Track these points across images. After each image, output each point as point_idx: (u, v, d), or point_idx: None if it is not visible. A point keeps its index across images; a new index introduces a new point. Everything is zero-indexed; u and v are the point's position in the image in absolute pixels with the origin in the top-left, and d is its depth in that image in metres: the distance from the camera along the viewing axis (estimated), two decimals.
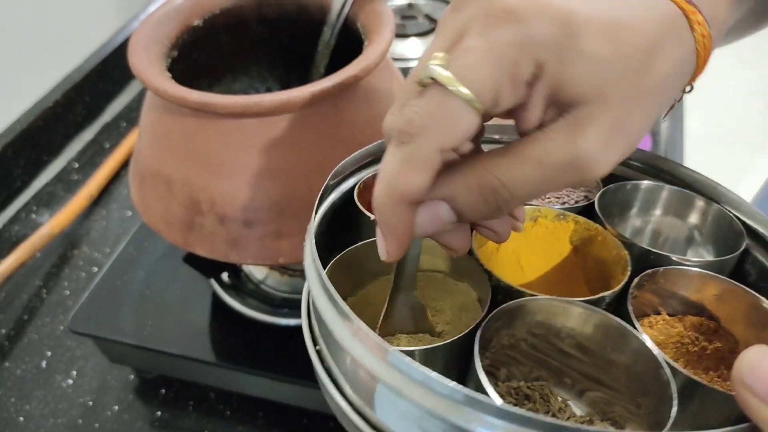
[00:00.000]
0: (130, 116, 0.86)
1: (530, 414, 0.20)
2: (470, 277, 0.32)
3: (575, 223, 0.34)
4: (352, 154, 0.32)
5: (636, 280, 0.30)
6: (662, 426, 0.23)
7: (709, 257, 0.35)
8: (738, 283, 0.30)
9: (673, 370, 0.25)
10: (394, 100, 0.41)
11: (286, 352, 0.47)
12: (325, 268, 0.28)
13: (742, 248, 0.32)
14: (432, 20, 0.77)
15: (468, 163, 0.24)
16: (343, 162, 0.32)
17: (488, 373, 0.25)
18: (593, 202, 0.35)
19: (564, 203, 0.38)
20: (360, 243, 0.31)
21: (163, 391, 0.55)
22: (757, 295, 0.29)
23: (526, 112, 0.23)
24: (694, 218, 0.36)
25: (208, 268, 0.49)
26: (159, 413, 0.53)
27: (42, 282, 0.65)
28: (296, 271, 0.52)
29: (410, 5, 0.81)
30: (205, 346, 0.48)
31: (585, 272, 0.35)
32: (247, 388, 0.52)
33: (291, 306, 0.50)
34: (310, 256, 0.27)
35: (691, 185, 0.36)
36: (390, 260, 0.25)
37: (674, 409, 0.23)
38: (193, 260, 0.47)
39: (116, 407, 0.54)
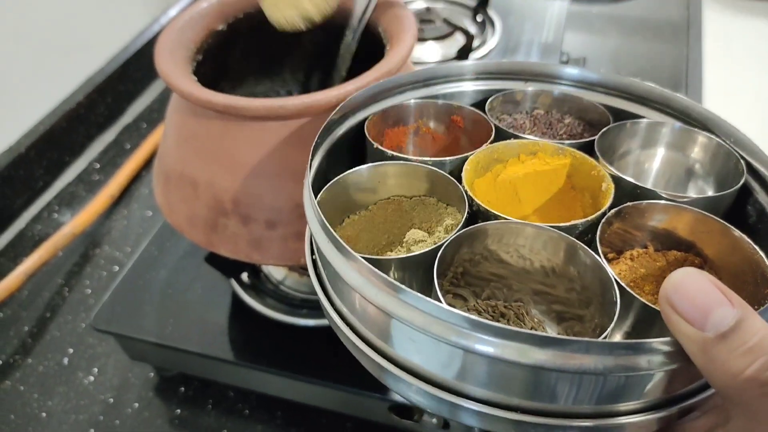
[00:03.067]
0: (150, 117, 0.87)
1: (473, 316, 0.23)
2: (459, 203, 0.33)
3: (573, 157, 0.35)
4: (360, 90, 0.35)
5: (612, 211, 0.31)
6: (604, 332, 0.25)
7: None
8: (721, 221, 0.30)
9: (619, 285, 0.27)
10: None
11: (304, 352, 0.48)
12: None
13: (738, 185, 0.32)
14: (450, 24, 0.77)
15: None
16: (350, 97, 0.34)
17: (472, 291, 0.29)
18: (594, 140, 0.35)
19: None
20: (348, 171, 0.33)
21: (183, 389, 0.55)
22: (737, 232, 0.29)
23: None
24: (695, 154, 0.36)
25: (229, 268, 0.50)
26: (178, 411, 0.54)
27: (64, 280, 0.66)
28: None
29: (428, 9, 0.82)
30: (224, 345, 0.49)
31: (582, 207, 0.36)
32: (265, 387, 0.53)
33: (310, 306, 0.50)
34: (308, 193, 0.30)
35: (694, 120, 0.36)
36: None
37: (615, 317, 0.25)
38: (214, 260, 0.48)
39: (137, 404, 0.55)
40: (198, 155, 0.38)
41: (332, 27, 0.46)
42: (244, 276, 0.52)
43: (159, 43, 0.39)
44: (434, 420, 0.45)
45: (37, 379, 0.57)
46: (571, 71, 0.40)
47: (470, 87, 0.41)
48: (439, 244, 0.29)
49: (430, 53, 0.75)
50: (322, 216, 0.28)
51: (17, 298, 0.64)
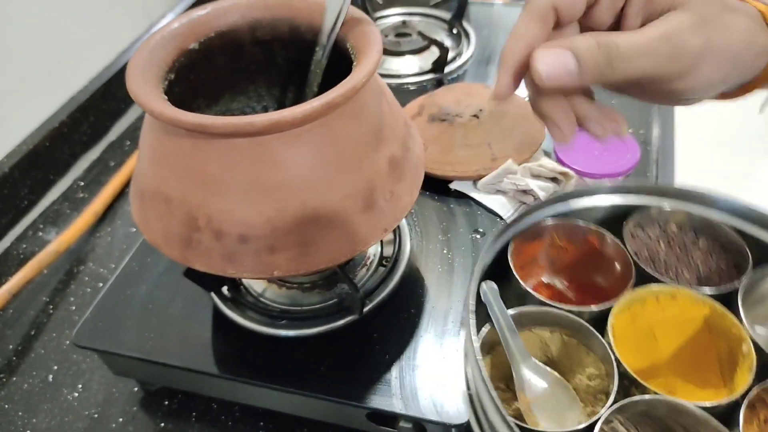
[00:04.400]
0: (134, 135, 0.88)
1: None
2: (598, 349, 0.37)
3: (712, 309, 0.37)
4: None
5: (754, 391, 0.33)
6: None
7: None
8: None
9: None
10: (383, 117, 0.42)
11: (284, 363, 0.48)
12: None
13: None
14: (425, 37, 0.78)
15: (591, 32, 0.32)
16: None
17: None
18: (737, 290, 0.37)
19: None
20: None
21: (167, 402, 0.56)
22: None
23: (625, 20, 0.34)
24: None
25: (209, 282, 0.50)
26: (163, 424, 0.54)
27: (49, 298, 0.67)
28: (293, 284, 0.53)
29: (404, 22, 0.83)
30: (206, 358, 0.50)
31: (717, 355, 0.37)
32: (248, 399, 0.53)
33: (289, 317, 0.51)
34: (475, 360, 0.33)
35: None
36: (498, 95, 0.35)
37: None
38: (193, 275, 0.48)
39: (121, 419, 0.55)
40: (171, 173, 0.39)
41: (303, 43, 0.47)
42: (225, 289, 0.53)
43: (131, 64, 0.40)
44: (411, 425, 0.46)
45: (21, 396, 0.58)
46: (722, 201, 0.41)
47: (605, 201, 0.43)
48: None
49: (407, 66, 0.76)
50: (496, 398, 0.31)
51: (2, 317, 0.65)
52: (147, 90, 0.38)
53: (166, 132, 0.39)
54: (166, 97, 0.39)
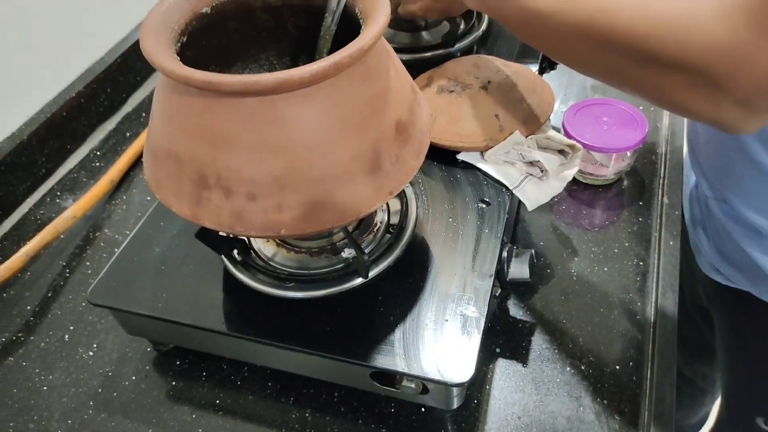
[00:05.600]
0: (150, 108, 0.90)
1: None
2: None
3: None
4: None
5: None
6: None
7: None
8: None
9: None
10: (390, 81, 0.43)
11: (292, 323, 0.50)
12: None
13: None
14: None
15: None
16: None
17: None
18: None
19: None
20: None
21: (178, 362, 0.58)
22: None
23: None
24: None
25: (220, 244, 0.52)
26: (174, 383, 0.56)
27: (65, 262, 0.69)
28: (302, 249, 0.55)
29: None
30: (217, 317, 0.51)
31: None
32: (256, 359, 0.55)
33: (297, 280, 0.52)
34: None
35: None
36: None
37: None
38: (204, 237, 0.50)
39: (134, 377, 0.57)
40: (181, 131, 0.40)
41: (313, 9, 0.48)
42: (235, 253, 0.54)
43: (144, 25, 0.41)
44: (413, 385, 0.47)
45: (38, 355, 0.60)
46: None
47: None
48: None
49: (418, 40, 0.77)
50: None
51: (20, 279, 0.67)
52: (159, 50, 0.39)
53: (177, 91, 0.40)
54: (178, 58, 0.40)
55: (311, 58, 0.53)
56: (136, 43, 0.89)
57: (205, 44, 0.47)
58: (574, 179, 0.72)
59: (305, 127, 0.39)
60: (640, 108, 0.73)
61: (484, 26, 0.77)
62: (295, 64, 0.56)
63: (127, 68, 0.89)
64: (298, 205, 0.41)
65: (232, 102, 0.38)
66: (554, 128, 0.66)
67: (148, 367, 0.58)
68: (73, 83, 0.82)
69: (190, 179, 0.41)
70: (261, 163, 0.40)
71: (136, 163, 0.79)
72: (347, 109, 0.40)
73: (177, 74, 0.37)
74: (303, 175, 0.40)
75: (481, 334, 0.47)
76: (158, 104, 0.43)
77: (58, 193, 0.77)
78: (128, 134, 0.85)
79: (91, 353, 0.60)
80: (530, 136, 0.60)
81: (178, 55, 0.42)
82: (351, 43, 0.39)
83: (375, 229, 0.56)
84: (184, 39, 0.43)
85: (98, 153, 0.83)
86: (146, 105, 0.90)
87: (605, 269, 0.63)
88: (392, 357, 0.47)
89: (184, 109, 0.39)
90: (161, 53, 0.38)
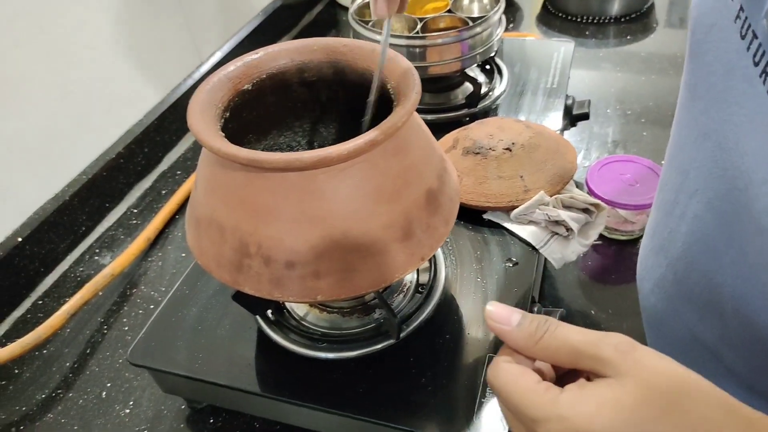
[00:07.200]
0: (184, 165, 0.93)
1: None
2: None
3: None
4: None
5: None
6: None
7: None
8: None
9: None
10: (420, 152, 0.45)
11: (324, 384, 0.51)
12: None
13: None
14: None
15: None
16: None
17: None
18: None
19: None
20: None
21: (212, 420, 0.59)
22: None
23: None
24: None
25: (255, 305, 0.53)
26: None
27: (103, 319, 0.71)
28: (334, 309, 0.56)
29: None
30: (250, 378, 0.52)
31: None
32: (288, 418, 0.56)
33: (329, 341, 0.53)
34: None
35: None
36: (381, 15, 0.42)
37: None
38: (240, 298, 0.51)
39: None
40: (225, 203, 0.43)
41: (345, 83, 0.51)
42: (269, 313, 0.56)
43: (191, 104, 0.44)
44: None
45: (77, 411, 0.62)
46: None
47: None
48: None
49: (442, 100, 0.79)
50: None
51: (60, 336, 0.69)
52: (206, 127, 0.42)
53: (221, 165, 0.42)
54: (222, 134, 0.42)
55: (341, 124, 0.56)
56: (172, 106, 0.93)
57: (244, 116, 0.50)
58: (600, 235, 0.73)
59: (342, 198, 0.41)
60: (662, 163, 0.74)
61: (505, 85, 0.80)
62: (327, 129, 0.59)
63: (163, 129, 0.93)
64: (334, 272, 0.43)
65: (274, 176, 0.40)
66: (577, 183, 0.67)
67: (182, 425, 0.59)
68: (113, 144, 0.85)
69: (231, 247, 0.43)
70: (300, 233, 0.42)
71: (171, 220, 0.82)
72: (381, 181, 0.42)
73: (224, 152, 0.39)
74: (338, 243, 0.42)
75: None
76: (202, 175, 0.45)
77: (97, 251, 0.80)
78: (164, 192, 0.89)
79: (128, 410, 0.61)
80: (555, 196, 0.62)
81: (221, 128, 0.45)
82: (385, 121, 0.41)
83: (405, 289, 0.57)
84: (227, 115, 0.46)
85: (135, 210, 0.86)
86: (180, 163, 0.94)
87: (633, 325, 0.63)
88: (424, 419, 0.47)
89: (229, 181, 0.42)
90: (208, 132, 0.41)
